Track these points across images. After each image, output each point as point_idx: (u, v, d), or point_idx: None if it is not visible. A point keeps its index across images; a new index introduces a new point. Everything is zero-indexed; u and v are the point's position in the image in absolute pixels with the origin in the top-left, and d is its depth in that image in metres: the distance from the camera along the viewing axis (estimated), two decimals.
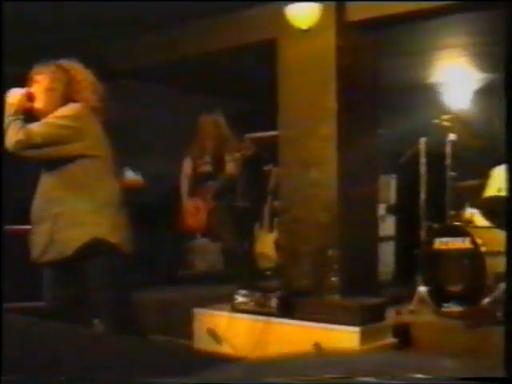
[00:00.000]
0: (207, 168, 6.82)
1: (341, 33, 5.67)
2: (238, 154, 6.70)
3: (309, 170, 5.63)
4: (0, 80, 4.21)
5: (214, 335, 5.13)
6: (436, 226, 5.54)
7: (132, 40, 6.74)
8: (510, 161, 2.91)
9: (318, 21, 5.64)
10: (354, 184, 5.66)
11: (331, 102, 5.62)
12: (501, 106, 8.86)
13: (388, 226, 7.62)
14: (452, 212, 5.60)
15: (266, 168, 7.35)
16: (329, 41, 5.67)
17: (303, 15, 5.67)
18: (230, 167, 6.72)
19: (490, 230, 5.33)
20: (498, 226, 5.23)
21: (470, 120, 8.02)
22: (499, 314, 4.68)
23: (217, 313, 5.38)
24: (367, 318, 4.66)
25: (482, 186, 5.36)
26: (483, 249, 4.93)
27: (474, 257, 4.96)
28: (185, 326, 5.48)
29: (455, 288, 5.05)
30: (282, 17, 5.72)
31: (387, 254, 7.30)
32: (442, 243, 5.20)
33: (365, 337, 4.53)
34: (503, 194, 5.02)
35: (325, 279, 5.23)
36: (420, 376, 1.58)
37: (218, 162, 6.77)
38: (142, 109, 7.26)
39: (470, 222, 5.61)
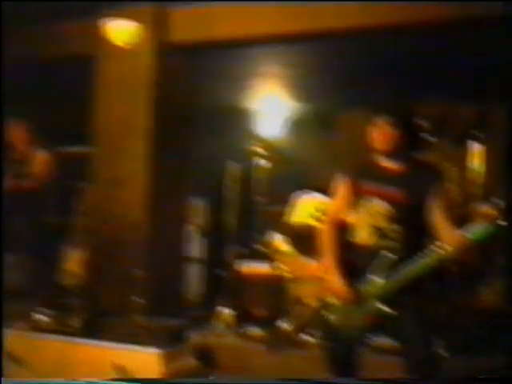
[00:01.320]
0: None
1: (158, 52, 5.67)
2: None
3: (118, 188, 5.55)
4: (0, 78, 3.91)
5: (14, 357, 4.89)
6: (243, 249, 5.63)
7: None
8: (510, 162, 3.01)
9: (137, 39, 5.61)
10: (163, 204, 5.64)
11: (144, 121, 5.59)
12: (309, 134, 9.26)
13: (196, 247, 7.67)
14: (259, 237, 5.73)
15: (79, 184, 7.17)
16: (146, 60, 5.65)
17: (122, 32, 5.61)
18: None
19: (293, 256, 5.47)
20: (302, 253, 5.39)
21: (280, 147, 8.28)
22: (300, 337, 4.81)
23: (15, 333, 5.13)
24: (169, 340, 4.62)
25: (287, 212, 5.50)
26: (286, 274, 5.06)
27: (277, 282, 5.08)
28: None
29: (258, 311, 5.16)
30: (101, 32, 5.63)
31: (194, 276, 7.34)
32: (247, 267, 5.30)
33: (166, 358, 4.49)
34: (305, 220, 5.18)
35: (130, 299, 5.16)
36: None
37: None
38: None
39: (275, 247, 5.76)
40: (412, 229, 3.49)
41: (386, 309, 3.41)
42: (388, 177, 3.54)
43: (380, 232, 3.48)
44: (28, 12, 5.77)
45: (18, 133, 6.52)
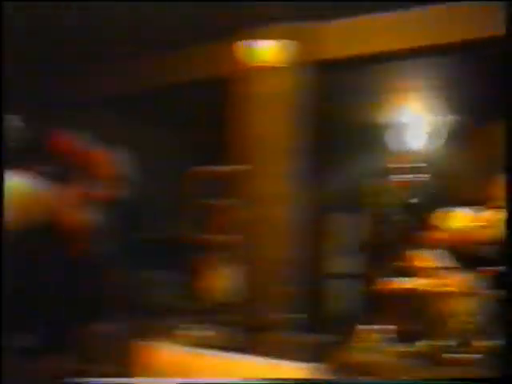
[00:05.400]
0: None
1: (304, 70, 5.71)
2: None
3: (266, 205, 5.60)
4: (0, 80, 4.12)
5: (157, 369, 5.02)
6: (392, 265, 5.57)
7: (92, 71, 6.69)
8: (510, 163, 2.94)
9: (278, 58, 5.68)
10: (311, 220, 5.66)
11: (292, 139, 5.64)
12: (452, 147, 9.08)
13: (346, 263, 7.63)
14: (408, 252, 5.65)
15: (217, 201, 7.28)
16: (293, 78, 5.71)
17: (265, 51, 5.70)
18: None
19: (443, 271, 5.37)
20: (453, 268, 5.29)
21: (428, 160, 8.16)
22: (451, 355, 4.72)
23: (160, 346, 5.26)
24: (319, 355, 4.62)
25: (435, 226, 5.41)
26: (437, 289, 4.98)
27: (428, 297, 5.00)
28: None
29: (406, 327, 5.08)
30: (245, 52, 5.74)
31: (344, 291, 7.30)
32: (397, 282, 5.24)
33: (316, 374, 4.49)
34: (459, 233, 5.09)
35: (280, 315, 5.21)
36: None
37: None
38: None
39: (425, 262, 5.67)
40: None
41: None
42: None
43: None
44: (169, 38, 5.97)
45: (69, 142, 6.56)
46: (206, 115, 7.54)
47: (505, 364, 2.81)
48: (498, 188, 5.68)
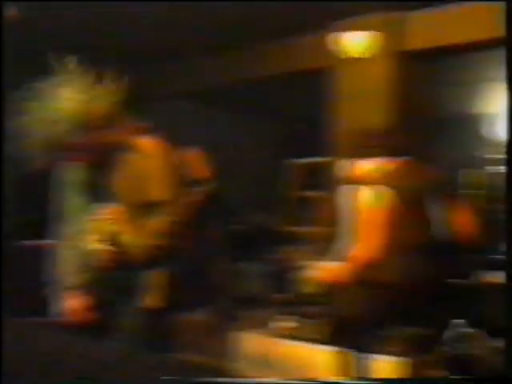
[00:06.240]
0: None
1: (396, 61, 5.68)
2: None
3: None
4: (0, 80, 4.19)
5: (258, 359, 5.09)
6: (485, 259, 5.48)
7: (188, 63, 6.78)
8: (510, 161, 2.84)
9: (372, 49, 5.66)
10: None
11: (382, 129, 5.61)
12: None
13: None
14: (501, 246, 5.55)
15: (307, 192, 7.28)
16: (383, 69, 5.68)
17: (357, 44, 5.69)
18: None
19: None
20: None
21: None
22: None
23: (261, 336, 5.33)
24: (419, 349, 4.60)
25: None
26: None
27: None
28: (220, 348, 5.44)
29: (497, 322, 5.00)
30: (336, 44, 5.74)
31: None
32: (489, 277, 5.17)
33: (415, 368, 4.48)
34: None
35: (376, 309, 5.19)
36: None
37: None
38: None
39: None
40: None
41: None
42: None
43: None
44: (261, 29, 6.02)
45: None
46: (303, 107, 7.56)
47: (505, 364, 2.72)
48: None
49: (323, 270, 4.21)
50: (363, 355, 4.31)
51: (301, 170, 7.00)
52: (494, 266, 5.29)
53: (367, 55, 5.67)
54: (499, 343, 4.92)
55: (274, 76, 6.55)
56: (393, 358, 4.56)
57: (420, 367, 4.49)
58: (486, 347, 4.96)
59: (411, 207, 4.02)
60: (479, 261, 5.43)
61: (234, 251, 5.99)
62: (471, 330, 5.10)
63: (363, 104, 5.76)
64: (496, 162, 5.69)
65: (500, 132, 8.50)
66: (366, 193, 3.96)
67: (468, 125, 8.28)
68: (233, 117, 8.14)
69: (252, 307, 6.67)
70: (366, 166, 4.12)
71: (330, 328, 4.84)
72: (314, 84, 6.03)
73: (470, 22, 5.41)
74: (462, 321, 5.02)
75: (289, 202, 6.99)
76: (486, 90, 7.78)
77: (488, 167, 6.40)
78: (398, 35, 5.69)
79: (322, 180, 6.12)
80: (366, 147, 4.16)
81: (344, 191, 4.00)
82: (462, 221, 4.10)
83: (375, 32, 5.64)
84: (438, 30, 5.57)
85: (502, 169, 5.46)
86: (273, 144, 7.16)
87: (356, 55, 5.69)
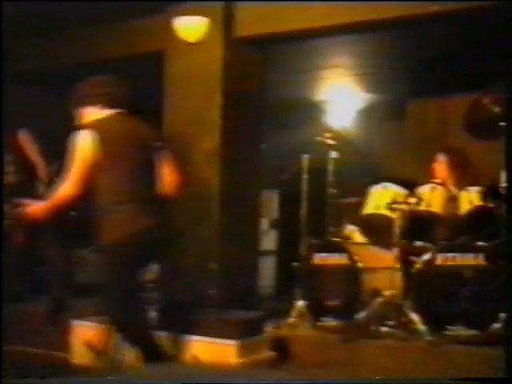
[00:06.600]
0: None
1: (227, 47, 5.71)
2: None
3: (191, 182, 5.60)
4: (0, 79, 4.06)
5: (92, 348, 5.00)
6: (315, 241, 5.63)
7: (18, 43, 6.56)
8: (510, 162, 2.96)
9: (206, 34, 5.68)
10: (236, 198, 5.68)
11: (215, 116, 5.65)
12: (381, 125, 9.16)
13: (270, 240, 7.71)
14: (332, 228, 5.73)
15: None
16: (215, 54, 5.70)
17: (191, 28, 5.69)
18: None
19: (367, 247, 5.47)
20: (375, 243, 5.38)
21: (351, 138, 8.24)
22: (373, 328, 4.80)
23: (94, 325, 5.25)
24: (245, 332, 4.67)
25: (360, 204, 5.47)
26: (360, 265, 5.05)
27: (351, 272, 5.08)
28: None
29: (332, 303, 5.16)
30: (169, 29, 5.72)
31: (268, 269, 7.38)
32: (320, 258, 5.31)
33: (243, 350, 4.54)
34: (380, 211, 5.16)
35: (205, 293, 5.24)
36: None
37: None
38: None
39: (348, 238, 5.76)
40: None
41: None
42: None
43: None
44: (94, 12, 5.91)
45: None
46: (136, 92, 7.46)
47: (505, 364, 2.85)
48: (438, 166, 5.78)
49: (28, 208, 4.26)
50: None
51: None
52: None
53: (201, 40, 5.68)
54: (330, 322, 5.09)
55: (106, 59, 6.44)
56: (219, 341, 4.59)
57: (247, 349, 4.57)
58: None
59: (125, 157, 4.18)
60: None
61: (69, 238, 5.86)
62: None
63: (196, 90, 5.77)
64: (333, 148, 5.80)
65: (338, 118, 8.77)
66: (80, 137, 4.09)
67: (306, 111, 8.47)
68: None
69: (88, 295, 6.56)
70: (87, 113, 4.32)
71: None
72: (147, 68, 5.99)
73: (306, 8, 5.49)
74: None
75: None
76: (328, 77, 7.97)
77: (328, 152, 6.54)
78: (228, 21, 5.73)
79: None
80: (86, 96, 4.33)
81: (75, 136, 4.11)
82: (167, 175, 4.36)
83: (210, 18, 5.65)
84: (270, 17, 5.63)
85: (334, 154, 5.66)
86: None
87: (190, 40, 5.69)
